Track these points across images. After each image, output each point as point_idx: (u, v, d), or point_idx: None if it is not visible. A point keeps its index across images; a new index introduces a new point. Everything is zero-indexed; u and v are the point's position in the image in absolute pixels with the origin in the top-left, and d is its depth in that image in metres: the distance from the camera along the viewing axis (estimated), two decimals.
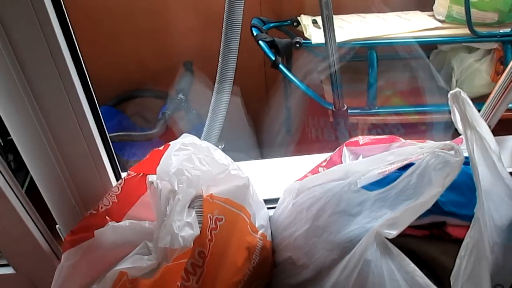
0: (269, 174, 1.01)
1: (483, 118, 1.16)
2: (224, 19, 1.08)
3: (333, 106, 1.41)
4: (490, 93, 1.16)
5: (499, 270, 0.67)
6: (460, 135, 0.72)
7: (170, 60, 1.76)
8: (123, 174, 0.82)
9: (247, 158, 1.14)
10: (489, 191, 0.63)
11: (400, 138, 0.76)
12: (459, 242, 0.61)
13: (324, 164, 0.79)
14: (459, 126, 0.62)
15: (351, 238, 0.65)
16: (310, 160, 0.91)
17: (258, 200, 0.78)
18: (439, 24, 1.57)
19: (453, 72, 1.59)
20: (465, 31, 1.50)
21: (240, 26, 1.06)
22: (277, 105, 1.76)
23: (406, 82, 1.64)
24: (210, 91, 1.18)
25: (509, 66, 1.08)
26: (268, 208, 0.85)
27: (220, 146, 1.74)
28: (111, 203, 0.77)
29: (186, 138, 0.73)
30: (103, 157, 0.79)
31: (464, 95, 0.60)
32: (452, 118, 0.64)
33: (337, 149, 0.80)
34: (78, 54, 0.71)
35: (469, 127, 0.59)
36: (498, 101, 1.12)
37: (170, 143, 0.74)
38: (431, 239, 0.71)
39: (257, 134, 1.77)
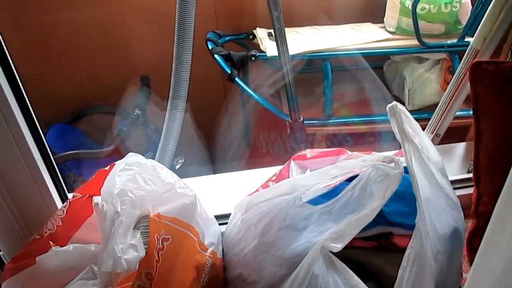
0: (222, 189, 1.01)
1: (431, 127, 1.19)
2: (175, 35, 1.07)
3: (289, 118, 1.42)
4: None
5: (445, 278, 0.69)
6: None
7: (126, 75, 1.73)
8: (70, 196, 0.80)
9: (202, 172, 1.13)
10: (430, 201, 0.64)
11: (347, 151, 0.77)
12: (404, 252, 0.62)
13: (273, 178, 0.79)
14: (399, 139, 0.63)
15: (299, 253, 0.65)
16: (263, 174, 0.91)
17: (208, 217, 0.77)
18: (390, 36, 1.62)
19: (405, 81, 1.63)
20: (414, 42, 1.55)
21: (191, 43, 1.05)
22: (236, 119, 1.76)
23: (361, 92, 1.67)
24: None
25: (453, 78, 1.13)
26: (221, 224, 0.84)
27: (180, 160, 1.73)
28: (55, 227, 0.74)
29: (131, 158, 0.72)
30: (46, 179, 0.77)
31: (401, 107, 0.62)
32: (393, 130, 0.65)
33: (286, 163, 0.80)
34: (14, 74, 0.69)
35: (407, 140, 0.61)
36: (445, 110, 1.16)
37: (116, 163, 0.72)
38: (379, 250, 0.72)
39: (214, 147, 1.76)
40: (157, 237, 0.67)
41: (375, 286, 0.68)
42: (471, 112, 0.83)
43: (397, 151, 0.84)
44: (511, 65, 0.79)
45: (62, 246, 0.72)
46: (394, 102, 0.61)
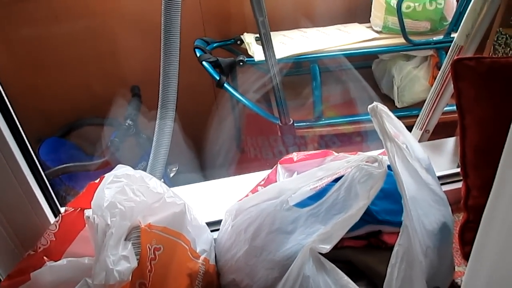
0: (214, 196, 1.01)
1: (420, 123, 1.20)
2: (162, 47, 1.08)
3: (279, 121, 1.43)
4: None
5: (436, 273, 0.69)
6: None
7: (117, 85, 1.74)
8: (62, 210, 0.80)
9: (196, 179, 1.14)
10: (416, 198, 0.65)
11: (333, 152, 0.78)
12: None
13: (262, 183, 0.80)
14: (381, 138, 0.64)
15: (289, 256, 0.65)
16: (253, 178, 0.91)
17: (199, 225, 0.77)
18: (377, 35, 1.64)
19: (394, 80, 1.65)
20: (401, 40, 1.57)
21: (178, 53, 1.06)
22: (228, 124, 1.77)
23: (350, 92, 1.68)
24: None
25: (438, 74, 1.14)
26: (214, 231, 0.85)
27: (174, 169, 1.73)
28: (49, 242, 0.75)
29: (120, 170, 0.72)
30: (37, 195, 0.78)
31: (382, 107, 0.63)
32: (376, 130, 0.66)
33: (274, 167, 0.81)
34: (1, 91, 0.69)
35: (389, 139, 0.62)
36: (432, 106, 1.17)
37: (105, 175, 0.73)
38: (369, 249, 0.72)
39: (207, 153, 1.77)
40: (148, 247, 0.67)
41: (367, 284, 0.68)
42: None
43: (383, 150, 0.84)
44: (492, 60, 0.81)
45: (56, 261, 0.72)
46: (375, 103, 0.62)
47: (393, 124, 0.67)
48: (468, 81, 0.81)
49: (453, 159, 1.20)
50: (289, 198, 0.65)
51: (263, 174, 0.87)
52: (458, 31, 1.04)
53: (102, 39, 1.73)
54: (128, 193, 0.68)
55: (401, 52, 1.66)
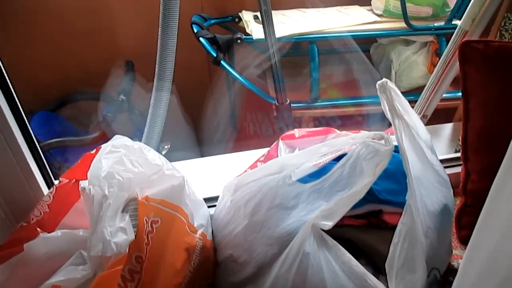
0: (210, 172, 1.00)
1: (419, 108, 1.20)
2: (160, 15, 1.05)
3: (276, 101, 1.41)
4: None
5: (435, 254, 0.69)
6: None
7: (110, 60, 1.70)
8: (56, 181, 0.78)
9: (189, 157, 1.12)
10: (420, 178, 0.65)
11: (336, 130, 0.77)
12: (395, 229, 0.62)
13: (262, 159, 0.79)
14: (388, 116, 0.63)
15: (289, 232, 0.64)
16: (251, 156, 0.90)
17: (196, 199, 0.76)
18: (377, 18, 1.62)
19: (392, 64, 1.63)
20: (401, 24, 1.55)
21: (177, 22, 1.03)
22: (222, 102, 1.75)
23: (348, 75, 1.67)
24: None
25: (441, 59, 1.12)
26: (210, 207, 0.84)
27: (166, 146, 1.71)
28: (42, 214, 0.73)
29: (117, 140, 0.70)
30: (31, 165, 0.76)
31: (391, 85, 0.61)
32: (382, 108, 0.65)
33: (274, 143, 0.80)
34: None
35: (397, 116, 0.61)
36: (432, 91, 1.17)
37: (102, 146, 0.71)
38: (369, 228, 0.72)
39: (201, 131, 1.75)
40: (146, 219, 0.66)
41: (366, 263, 0.68)
42: (458, 94, 0.83)
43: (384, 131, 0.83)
44: (500, 44, 0.79)
45: (50, 233, 0.70)
46: (384, 79, 0.61)
47: (399, 103, 0.65)
48: (475, 64, 0.80)
49: (450, 145, 1.20)
50: (292, 173, 0.64)
51: (259, 152, 0.86)
52: (464, 15, 1.03)
53: (97, 13, 1.69)
54: (126, 164, 0.66)
55: (400, 37, 1.64)
